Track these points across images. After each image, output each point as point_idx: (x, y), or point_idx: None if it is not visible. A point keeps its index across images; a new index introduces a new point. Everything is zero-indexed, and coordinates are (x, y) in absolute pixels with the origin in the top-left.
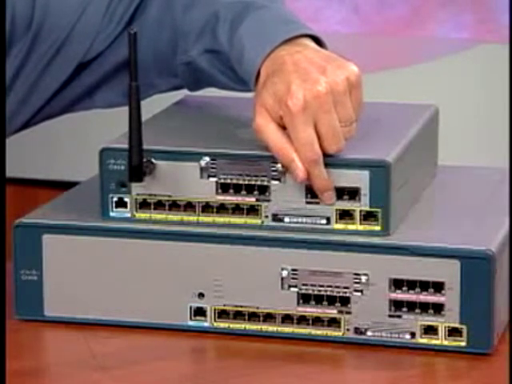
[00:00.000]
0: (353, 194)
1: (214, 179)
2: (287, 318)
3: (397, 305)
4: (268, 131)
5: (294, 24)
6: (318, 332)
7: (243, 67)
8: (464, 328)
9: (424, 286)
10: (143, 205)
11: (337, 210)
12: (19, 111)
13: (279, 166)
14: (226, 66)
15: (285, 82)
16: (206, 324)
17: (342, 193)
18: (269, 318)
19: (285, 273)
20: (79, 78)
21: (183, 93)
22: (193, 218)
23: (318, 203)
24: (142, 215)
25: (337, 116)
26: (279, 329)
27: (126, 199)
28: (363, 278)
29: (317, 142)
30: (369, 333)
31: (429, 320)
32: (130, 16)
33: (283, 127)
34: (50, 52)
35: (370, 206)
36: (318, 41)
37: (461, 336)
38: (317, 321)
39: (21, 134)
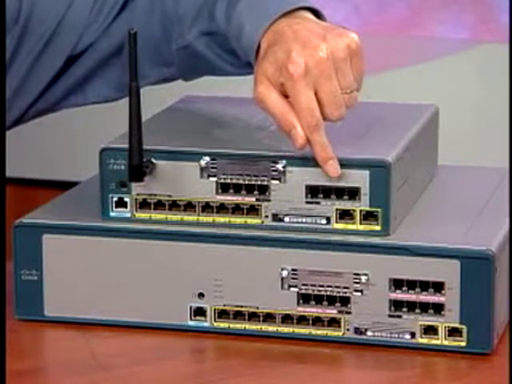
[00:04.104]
0: (353, 193)
1: (214, 179)
2: (287, 318)
3: (397, 305)
4: (269, 99)
5: None
6: (318, 332)
7: (243, 42)
8: (464, 328)
9: (424, 286)
10: (143, 205)
11: (337, 209)
12: (10, 107)
13: (279, 166)
14: (223, 48)
15: (285, 49)
16: (205, 324)
17: (342, 193)
18: (269, 317)
19: (285, 273)
20: (69, 70)
21: (183, 93)
22: (193, 218)
23: (318, 203)
24: (142, 215)
25: (338, 83)
26: (279, 329)
27: (126, 199)
28: (363, 278)
29: (317, 108)
30: (369, 333)
31: (429, 320)
32: (120, 7)
33: (285, 96)
34: (39, 45)
35: (370, 206)
36: (317, 14)
37: (461, 336)
38: (317, 321)
39: (21, 133)
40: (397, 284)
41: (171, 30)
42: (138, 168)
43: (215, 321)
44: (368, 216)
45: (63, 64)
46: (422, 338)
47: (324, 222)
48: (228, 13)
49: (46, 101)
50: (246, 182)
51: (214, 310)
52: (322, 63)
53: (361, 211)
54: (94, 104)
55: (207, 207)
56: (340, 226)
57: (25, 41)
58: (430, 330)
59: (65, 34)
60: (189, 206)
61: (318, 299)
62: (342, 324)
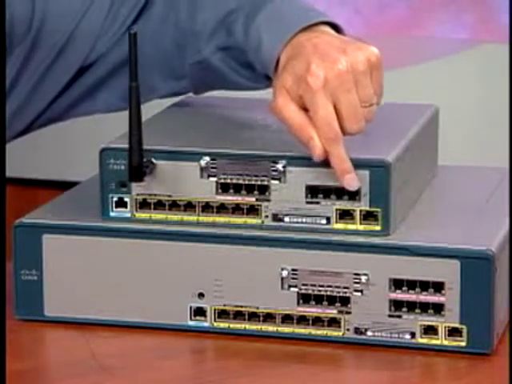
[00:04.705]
0: (353, 193)
1: (214, 179)
2: (287, 318)
3: (397, 305)
4: (288, 111)
5: (312, 12)
6: (318, 332)
7: (261, 55)
8: (464, 328)
9: (424, 286)
10: (143, 205)
11: (337, 209)
12: (20, 115)
13: (279, 166)
14: (239, 62)
15: (304, 62)
16: (206, 324)
17: (342, 193)
18: (269, 317)
19: (285, 273)
20: (80, 80)
21: None
22: (193, 218)
23: (318, 203)
24: (142, 215)
25: (357, 96)
26: (279, 329)
27: (126, 199)
28: (363, 278)
29: (336, 121)
30: (369, 333)
31: (429, 320)
32: (133, 19)
33: (303, 109)
34: (51, 56)
35: (370, 206)
36: (336, 28)
37: (461, 336)
38: (317, 321)
39: None
40: (397, 284)
41: (185, 44)
42: (138, 168)
43: (215, 321)
44: (368, 216)
45: (73, 74)
46: (422, 338)
47: (324, 222)
48: (246, 26)
49: (55, 109)
50: (246, 182)
51: (214, 310)
52: (342, 76)
53: (361, 211)
54: (102, 113)
55: (207, 207)
56: (340, 225)
57: (35, 51)
58: (430, 330)
59: (76, 45)
60: (189, 206)
61: (318, 299)
62: (342, 324)
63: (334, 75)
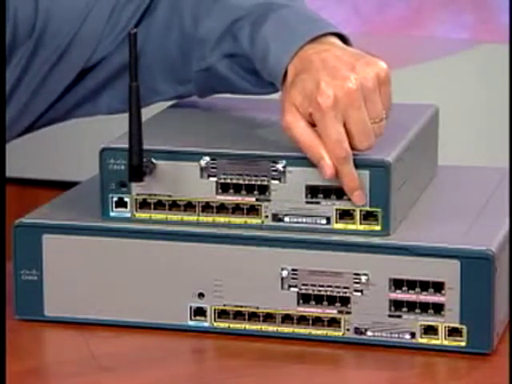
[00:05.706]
0: None
1: (214, 179)
2: (287, 318)
3: (397, 305)
4: (297, 128)
5: (319, 22)
6: (318, 332)
7: (269, 66)
8: (464, 328)
9: (424, 286)
10: (143, 205)
11: (337, 209)
12: (22, 115)
13: (279, 166)
14: (245, 69)
15: (314, 79)
16: (206, 324)
17: (341, 193)
18: (269, 317)
19: (285, 273)
20: (83, 82)
21: None
22: (193, 218)
23: (318, 203)
24: (142, 215)
25: (367, 113)
26: (279, 329)
27: (126, 199)
28: (363, 278)
29: (346, 140)
30: (369, 333)
31: (429, 320)
32: (136, 22)
33: (312, 125)
34: (53, 57)
35: (370, 206)
36: (343, 39)
37: (461, 336)
38: (317, 321)
39: None
40: (397, 284)
41: (190, 50)
42: (138, 168)
43: (215, 321)
44: (368, 216)
45: (76, 75)
46: (421, 337)
47: (324, 222)
48: (252, 34)
49: (57, 110)
50: (246, 182)
51: (214, 309)
52: (352, 94)
53: (361, 211)
54: (104, 115)
55: (207, 207)
56: (340, 225)
57: (38, 53)
58: (430, 330)
59: (79, 47)
60: (189, 206)
61: (318, 299)
62: (342, 324)
63: (344, 93)
